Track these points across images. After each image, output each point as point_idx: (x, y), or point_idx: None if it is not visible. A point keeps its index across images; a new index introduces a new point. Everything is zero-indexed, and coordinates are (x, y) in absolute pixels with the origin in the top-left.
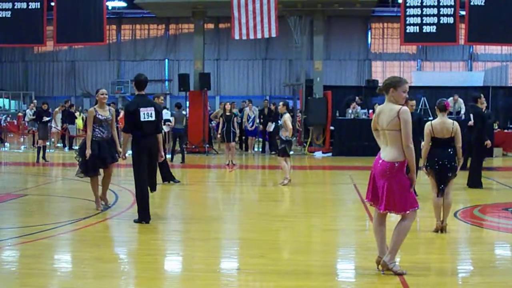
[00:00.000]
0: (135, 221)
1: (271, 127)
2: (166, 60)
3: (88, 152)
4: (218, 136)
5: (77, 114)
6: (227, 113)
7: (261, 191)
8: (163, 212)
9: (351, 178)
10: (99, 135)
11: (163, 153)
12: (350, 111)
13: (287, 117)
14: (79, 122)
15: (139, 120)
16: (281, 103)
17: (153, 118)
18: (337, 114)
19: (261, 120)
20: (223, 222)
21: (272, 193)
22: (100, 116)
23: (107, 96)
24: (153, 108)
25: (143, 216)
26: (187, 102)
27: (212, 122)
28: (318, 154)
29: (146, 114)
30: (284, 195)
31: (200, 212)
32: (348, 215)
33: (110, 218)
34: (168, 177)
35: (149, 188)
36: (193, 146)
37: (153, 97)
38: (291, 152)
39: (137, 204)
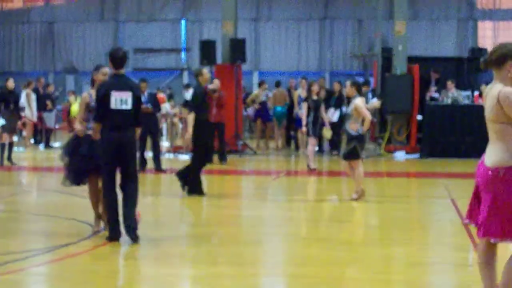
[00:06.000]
0: (107, 239)
1: (333, 115)
2: (183, 21)
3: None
4: (304, 129)
5: (71, 98)
6: (314, 97)
7: (318, 207)
8: (178, 235)
9: (448, 189)
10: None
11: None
12: (449, 93)
13: (359, 102)
14: (73, 108)
15: (108, 107)
16: (348, 83)
17: (129, 107)
18: (427, 98)
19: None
20: (262, 251)
21: (334, 211)
22: (94, 103)
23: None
24: (130, 93)
25: (114, 232)
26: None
27: (248, 109)
28: (400, 154)
29: (119, 100)
30: (352, 214)
31: (231, 235)
32: (443, 243)
33: (102, 246)
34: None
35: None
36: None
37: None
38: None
39: (107, 215)
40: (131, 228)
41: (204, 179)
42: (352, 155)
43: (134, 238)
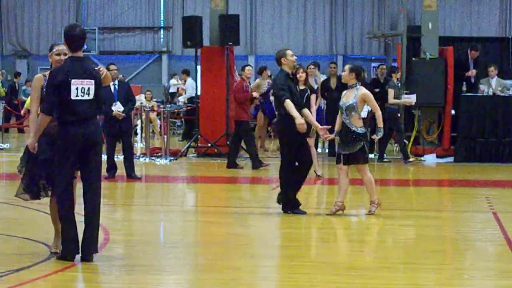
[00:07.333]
0: (58, 258)
1: None
2: None
3: (32, 147)
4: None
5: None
6: (302, 87)
7: (326, 223)
8: (155, 258)
9: (489, 202)
10: (51, 123)
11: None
12: (491, 81)
13: (365, 93)
14: (28, 102)
15: (69, 98)
16: (346, 68)
17: (91, 96)
18: (464, 88)
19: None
20: (258, 278)
21: (346, 228)
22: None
23: (67, 56)
24: (92, 81)
25: (69, 248)
26: (198, 67)
27: None
28: (430, 158)
29: (81, 89)
30: (368, 233)
31: (219, 258)
32: (483, 267)
33: (62, 271)
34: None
35: None
36: (210, 145)
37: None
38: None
39: (61, 230)
40: (91, 249)
41: (193, 189)
42: (358, 158)
43: (90, 259)
